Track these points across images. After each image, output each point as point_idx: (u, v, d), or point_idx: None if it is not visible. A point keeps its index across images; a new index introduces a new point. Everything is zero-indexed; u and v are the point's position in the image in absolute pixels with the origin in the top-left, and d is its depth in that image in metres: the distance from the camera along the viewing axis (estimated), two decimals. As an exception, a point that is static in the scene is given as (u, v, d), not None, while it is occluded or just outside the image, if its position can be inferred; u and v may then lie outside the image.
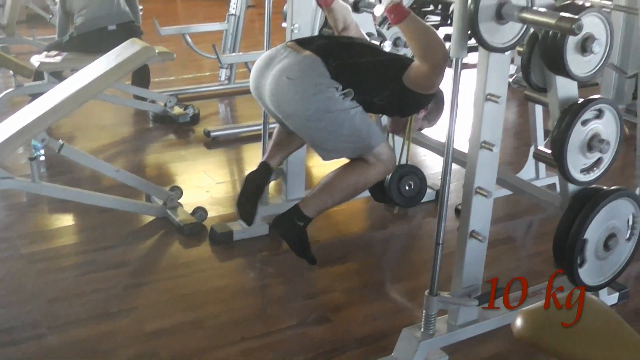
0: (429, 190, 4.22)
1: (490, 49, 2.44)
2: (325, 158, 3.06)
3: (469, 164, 2.71)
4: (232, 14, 6.29)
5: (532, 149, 4.19)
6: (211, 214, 3.93)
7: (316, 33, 4.01)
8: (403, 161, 3.37)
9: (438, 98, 3.20)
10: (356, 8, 3.73)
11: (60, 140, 3.62)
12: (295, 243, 3.13)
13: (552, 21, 2.26)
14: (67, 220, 3.99)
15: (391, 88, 2.99)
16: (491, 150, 2.65)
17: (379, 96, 3.00)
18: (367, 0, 3.63)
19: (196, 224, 3.81)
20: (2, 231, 3.82)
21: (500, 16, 2.38)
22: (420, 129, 3.44)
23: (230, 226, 3.73)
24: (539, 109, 4.08)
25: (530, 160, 4.28)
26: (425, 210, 4.17)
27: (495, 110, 2.62)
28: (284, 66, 2.96)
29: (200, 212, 3.88)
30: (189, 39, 6.01)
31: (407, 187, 3.42)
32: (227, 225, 3.76)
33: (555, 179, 4.20)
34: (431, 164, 4.77)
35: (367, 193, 3.33)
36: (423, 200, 4.14)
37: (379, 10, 2.89)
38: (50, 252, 3.62)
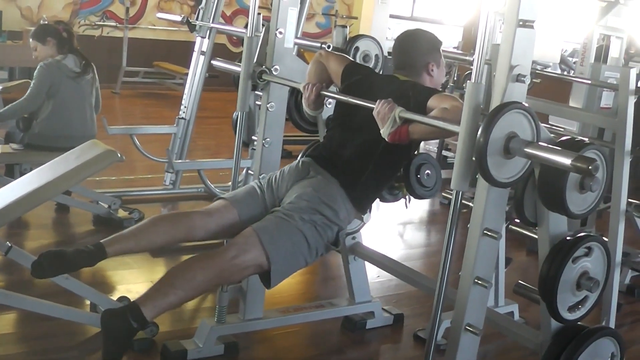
0: (385, 315, 4.13)
1: (495, 183, 2.37)
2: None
3: (459, 299, 2.61)
4: (182, 118, 6.20)
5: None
6: (162, 328, 3.69)
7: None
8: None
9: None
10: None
11: (7, 242, 3.40)
12: (116, 347, 2.67)
13: (567, 161, 2.19)
14: (6, 327, 3.69)
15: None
16: (485, 287, 2.56)
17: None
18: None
19: (146, 339, 3.57)
20: None
21: (507, 150, 2.33)
22: None
23: (184, 344, 3.52)
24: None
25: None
26: (382, 334, 4.04)
27: (491, 246, 2.55)
28: (316, 183, 3.09)
29: (150, 326, 3.62)
30: (136, 141, 5.86)
31: (426, 177, 3.25)
32: (180, 343, 3.53)
33: (514, 307, 4.17)
34: (383, 286, 4.65)
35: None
36: (379, 324, 4.05)
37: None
38: (-12, 363, 3.35)
